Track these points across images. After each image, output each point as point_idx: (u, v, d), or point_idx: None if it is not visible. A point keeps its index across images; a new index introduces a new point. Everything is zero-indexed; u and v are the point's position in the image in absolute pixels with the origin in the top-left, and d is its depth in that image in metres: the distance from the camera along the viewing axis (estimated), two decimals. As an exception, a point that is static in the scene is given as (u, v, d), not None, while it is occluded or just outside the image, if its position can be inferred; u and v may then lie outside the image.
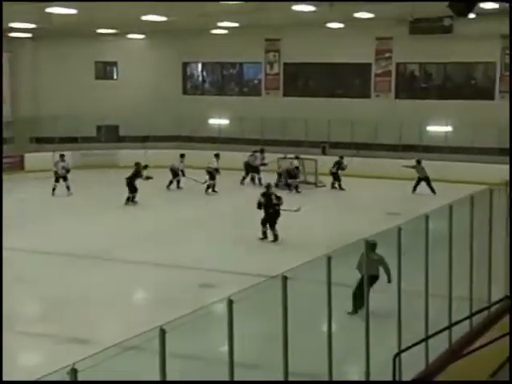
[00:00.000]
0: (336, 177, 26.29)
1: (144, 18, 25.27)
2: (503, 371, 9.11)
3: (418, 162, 25.64)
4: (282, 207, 18.43)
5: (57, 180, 24.67)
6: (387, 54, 30.50)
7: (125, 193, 23.29)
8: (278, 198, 18.58)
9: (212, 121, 32.88)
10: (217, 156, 26.39)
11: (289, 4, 22.43)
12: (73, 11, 22.35)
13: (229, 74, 35.39)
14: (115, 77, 34.59)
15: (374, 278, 10.60)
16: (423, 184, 25.12)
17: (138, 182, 23.62)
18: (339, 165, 26.38)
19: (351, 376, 9.65)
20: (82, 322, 12.38)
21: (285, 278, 7.25)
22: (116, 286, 14.66)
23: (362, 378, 8.74)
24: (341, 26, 28.41)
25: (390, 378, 7.80)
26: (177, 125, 32.30)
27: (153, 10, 23.71)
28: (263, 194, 18.72)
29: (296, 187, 25.91)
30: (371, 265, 9.97)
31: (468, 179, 24.15)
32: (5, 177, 25.02)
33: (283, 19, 27.00)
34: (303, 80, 33.52)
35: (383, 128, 29.15)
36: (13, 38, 30.26)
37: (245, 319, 7.04)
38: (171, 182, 26.23)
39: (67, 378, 5.29)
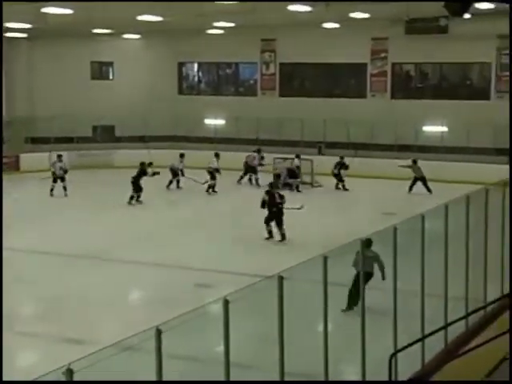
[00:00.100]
0: (339, 177, 26.23)
1: (140, 18, 25.27)
2: (499, 371, 9.13)
3: (414, 161, 25.68)
4: (285, 206, 18.43)
5: (55, 180, 24.62)
6: (383, 54, 30.53)
7: (122, 193, 23.30)
8: (281, 197, 18.60)
9: (208, 121, 32.87)
10: (217, 155, 26.40)
11: (284, 4, 22.42)
12: (68, 11, 22.32)
13: (224, 74, 35.40)
14: (111, 77, 34.57)
15: (368, 275, 10.64)
16: (419, 184, 25.16)
17: (143, 182, 23.62)
18: (341, 165, 26.29)
19: (347, 376, 9.65)
20: (79, 322, 12.37)
21: (281, 278, 7.26)
22: (114, 285, 14.67)
23: (359, 378, 8.74)
24: (336, 26, 28.43)
25: (386, 377, 7.80)
26: (173, 125, 32.28)
27: (148, 10, 23.70)
28: (267, 192, 18.74)
29: (297, 186, 25.93)
30: (366, 262, 10.00)
31: (464, 179, 24.17)
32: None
33: (279, 19, 27.01)
34: (299, 80, 33.54)
35: (379, 128, 29.17)
36: (8, 38, 30.21)
37: (241, 319, 7.03)
38: (171, 182, 26.25)
39: (63, 379, 5.28)
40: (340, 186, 26.17)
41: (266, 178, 26.69)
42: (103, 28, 30.28)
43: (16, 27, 27.47)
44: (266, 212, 18.50)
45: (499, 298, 10.85)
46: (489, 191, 11.83)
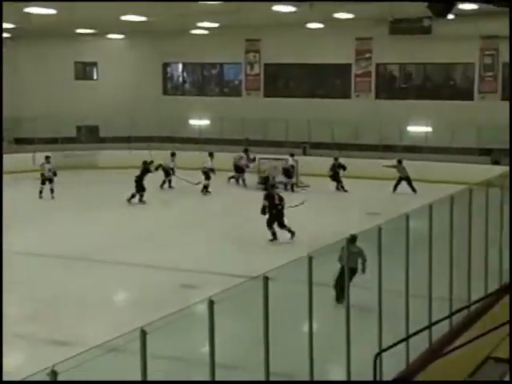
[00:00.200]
0: (337, 178, 26.08)
1: (123, 18, 25.22)
2: (483, 370, 9.18)
3: (399, 161, 25.77)
4: (285, 207, 18.50)
5: (43, 182, 24.39)
6: (367, 55, 30.62)
7: (109, 193, 23.48)
8: (281, 199, 18.61)
9: (192, 121, 32.83)
10: (211, 155, 26.40)
11: (269, 4, 22.45)
12: (52, 11, 22.24)
13: (209, 75, 35.38)
14: (95, 77, 34.46)
15: (352, 271, 10.69)
16: (404, 183, 25.26)
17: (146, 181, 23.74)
18: (338, 166, 26.10)
19: (333, 375, 9.67)
20: (65, 324, 12.33)
21: (266, 279, 7.27)
22: (100, 287, 14.61)
23: (344, 378, 8.77)
24: (321, 26, 28.50)
25: (371, 377, 7.82)
26: (157, 125, 32.21)
27: (132, 10, 23.66)
28: (266, 196, 18.74)
29: (292, 186, 25.90)
30: (351, 257, 10.06)
31: (448, 179, 24.26)
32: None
33: (263, 20, 27.04)
34: (283, 80, 33.58)
35: (363, 128, 29.24)
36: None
37: (227, 320, 7.04)
38: (164, 182, 26.25)
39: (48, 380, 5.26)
40: (339, 187, 26.02)
41: (252, 179, 26.93)
42: (87, 28, 30.18)
43: (-1, 27, 27.31)
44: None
45: (483, 297, 10.91)
46: (472, 191, 11.89)
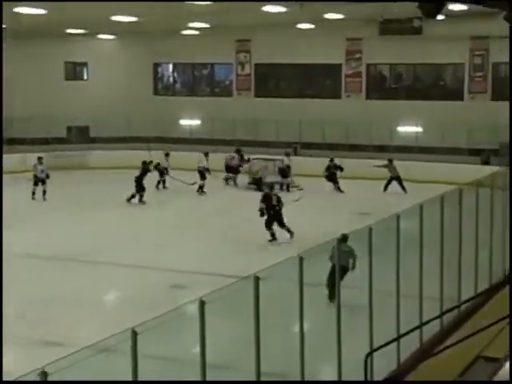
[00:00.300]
0: (333, 179, 26.04)
1: (114, 18, 25.17)
2: (473, 369, 9.22)
3: (390, 161, 25.83)
4: (283, 208, 18.53)
5: (36, 183, 24.21)
6: (357, 55, 30.67)
7: (101, 194, 23.40)
8: (279, 200, 18.57)
9: (183, 121, 32.81)
10: (206, 155, 26.39)
11: (259, 5, 22.46)
12: (42, 11, 22.18)
13: (200, 75, 35.35)
14: (85, 77, 34.38)
15: (343, 270, 10.76)
16: (394, 183, 25.34)
17: (146, 182, 23.80)
18: (334, 167, 25.96)
19: (324, 375, 9.68)
20: (56, 324, 12.29)
21: (256, 279, 7.27)
22: (93, 288, 14.58)
23: (335, 378, 8.78)
24: (311, 26, 28.55)
25: (362, 377, 7.84)
26: (148, 126, 32.15)
27: (123, 10, 23.62)
28: (264, 197, 18.69)
29: (287, 186, 25.86)
30: (342, 256, 10.17)
31: (438, 179, 24.33)
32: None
33: (254, 20, 27.05)
34: (274, 81, 33.60)
35: (354, 128, 29.28)
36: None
37: (218, 320, 7.03)
38: (159, 182, 26.19)
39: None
40: (336, 187, 25.88)
41: (243, 179, 26.95)
42: (77, 28, 30.13)
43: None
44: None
45: (473, 296, 10.95)
46: (462, 191, 11.93)
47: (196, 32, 30.85)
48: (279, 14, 23.72)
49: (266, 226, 18.27)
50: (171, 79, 35.82)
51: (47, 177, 24.25)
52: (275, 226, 18.36)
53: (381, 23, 28.39)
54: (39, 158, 24.85)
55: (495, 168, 19.85)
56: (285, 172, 26.47)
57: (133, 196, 23.37)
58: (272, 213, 18.34)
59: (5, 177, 26.70)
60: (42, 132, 31.14)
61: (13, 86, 32.14)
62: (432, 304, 10.83)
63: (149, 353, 6.27)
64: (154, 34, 31.31)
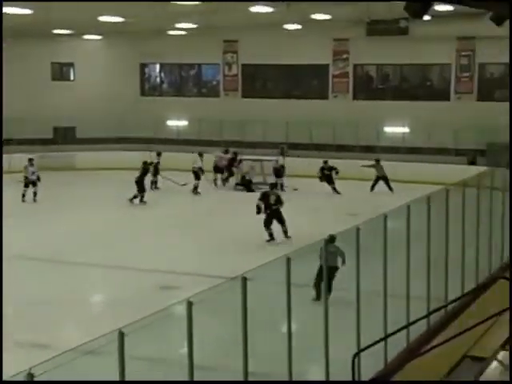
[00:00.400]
0: (329, 180, 25.90)
1: (101, 18, 25.09)
2: (460, 368, 9.26)
3: (377, 160, 25.92)
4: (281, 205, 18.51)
5: (26, 185, 23.94)
6: (344, 56, 30.73)
7: (89, 194, 23.37)
8: (278, 200, 18.51)
9: (170, 122, 32.76)
10: (200, 155, 26.38)
11: (246, 5, 22.45)
12: (27, 11, 22.07)
13: (187, 76, 35.32)
14: (72, 78, 34.26)
15: (332, 269, 10.93)
16: (381, 183, 25.43)
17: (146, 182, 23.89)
18: (329, 168, 25.87)
19: (311, 375, 9.69)
20: (43, 326, 12.23)
21: (244, 279, 7.27)
22: (80, 289, 14.55)
23: (322, 378, 8.79)
24: (298, 27, 28.57)
25: (349, 377, 7.85)
26: (135, 126, 32.05)
27: (109, 10, 23.55)
28: (262, 196, 18.67)
29: (281, 185, 25.85)
30: (330, 257, 10.37)
31: (424, 179, 24.41)
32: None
33: (241, 20, 27.05)
34: (261, 81, 33.63)
35: (341, 129, 29.32)
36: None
37: (206, 321, 7.02)
38: (153, 183, 26.13)
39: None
40: (332, 188, 25.76)
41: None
42: (63, 29, 30.01)
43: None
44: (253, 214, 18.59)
45: (460, 296, 10.99)
46: (449, 191, 11.97)
47: (183, 32, 30.81)
48: (266, 14, 23.73)
49: (264, 226, 18.25)
50: (158, 80, 35.76)
51: (38, 179, 24.00)
52: (274, 227, 18.38)
53: (368, 24, 28.45)
54: (30, 160, 24.51)
55: (481, 168, 19.94)
56: (279, 172, 26.50)
57: (135, 197, 23.41)
58: (269, 212, 18.33)
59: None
60: (28, 133, 30.96)
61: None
62: (419, 304, 10.86)
63: (136, 354, 6.25)
64: (140, 35, 31.25)
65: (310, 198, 25.19)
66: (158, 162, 25.95)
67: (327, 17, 25.69)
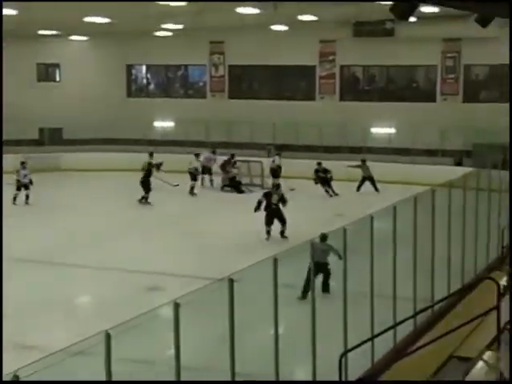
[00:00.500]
0: (323, 182, 25.74)
1: (87, 19, 25.01)
2: (446, 368, 9.29)
3: (363, 161, 26.01)
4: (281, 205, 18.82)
5: (18, 188, 23.75)
6: (331, 57, 30.79)
7: (76, 195, 23.34)
8: (280, 200, 18.86)
9: (157, 123, 32.70)
10: (197, 156, 26.32)
11: (233, 6, 22.45)
12: (13, 12, 21.96)
13: (173, 77, 35.26)
14: (58, 79, 34.14)
15: (323, 265, 11.33)
16: (367, 183, 25.51)
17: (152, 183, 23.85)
18: (324, 171, 25.72)
19: (298, 375, 9.71)
20: (30, 328, 12.19)
21: (231, 281, 7.28)
22: (67, 290, 14.51)
23: (309, 378, 8.80)
24: (285, 28, 28.59)
25: (336, 377, 7.87)
26: (122, 127, 31.95)
27: (95, 11, 23.48)
28: (265, 194, 19.15)
29: (278, 186, 25.79)
30: (321, 254, 10.80)
31: (411, 180, 24.50)
32: None
33: (227, 21, 27.02)
34: (248, 82, 33.63)
35: (328, 130, 29.36)
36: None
37: (193, 322, 7.02)
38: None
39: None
40: (327, 190, 25.62)
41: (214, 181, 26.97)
42: (49, 29, 29.89)
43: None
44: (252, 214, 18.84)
45: (446, 296, 11.03)
46: (435, 192, 12.02)
47: (169, 33, 30.77)
48: (253, 15, 23.74)
49: (265, 224, 18.61)
50: (145, 81, 35.68)
51: (31, 182, 23.85)
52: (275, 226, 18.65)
53: (354, 25, 28.54)
54: (22, 163, 24.32)
55: (468, 169, 20.02)
56: (276, 172, 26.52)
57: (143, 197, 23.47)
58: (269, 210, 18.64)
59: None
60: (13, 134, 30.78)
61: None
62: (406, 304, 10.90)
63: (123, 355, 6.24)
64: (126, 36, 31.17)
65: (297, 198, 25.17)
66: (160, 164, 25.66)
67: (314, 18, 25.73)
